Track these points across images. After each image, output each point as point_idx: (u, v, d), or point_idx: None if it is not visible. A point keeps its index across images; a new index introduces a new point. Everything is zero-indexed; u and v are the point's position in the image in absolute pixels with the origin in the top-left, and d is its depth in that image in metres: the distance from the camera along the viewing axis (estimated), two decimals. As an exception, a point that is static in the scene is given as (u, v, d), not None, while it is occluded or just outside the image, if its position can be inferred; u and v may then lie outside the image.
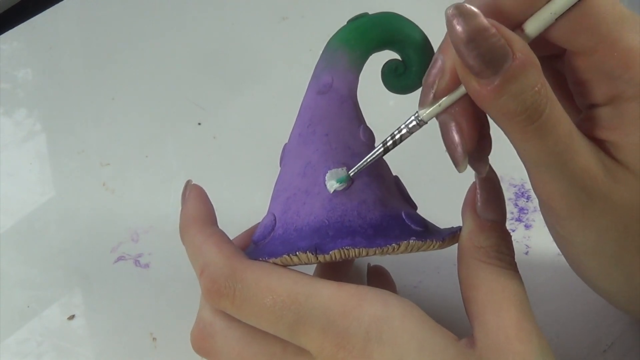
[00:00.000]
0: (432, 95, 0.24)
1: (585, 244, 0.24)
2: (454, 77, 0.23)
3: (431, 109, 0.24)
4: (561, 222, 0.24)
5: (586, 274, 0.27)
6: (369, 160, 0.26)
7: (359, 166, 0.26)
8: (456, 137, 0.24)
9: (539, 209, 0.39)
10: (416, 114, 0.24)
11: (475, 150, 0.24)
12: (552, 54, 0.25)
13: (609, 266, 0.25)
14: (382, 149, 0.25)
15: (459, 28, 0.21)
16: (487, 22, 0.21)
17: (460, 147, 0.24)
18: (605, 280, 0.26)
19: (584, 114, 0.24)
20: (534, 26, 0.22)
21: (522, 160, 0.23)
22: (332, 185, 0.26)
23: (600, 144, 0.23)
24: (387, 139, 0.25)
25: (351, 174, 0.26)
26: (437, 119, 0.24)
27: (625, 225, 0.23)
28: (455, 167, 0.24)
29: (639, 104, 0.22)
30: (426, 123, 0.24)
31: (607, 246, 0.24)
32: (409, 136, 0.25)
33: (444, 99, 0.24)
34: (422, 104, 0.24)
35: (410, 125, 0.25)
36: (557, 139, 0.21)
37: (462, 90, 0.23)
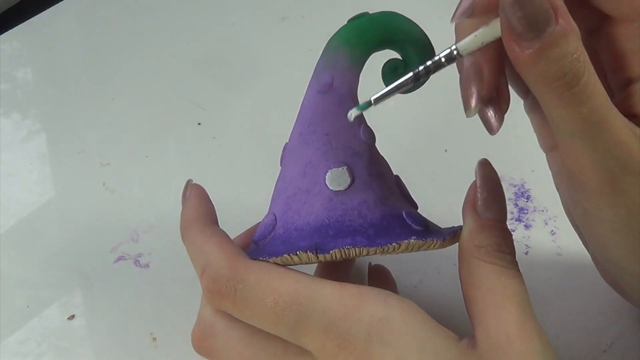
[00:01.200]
0: (470, 9, 0.23)
1: (614, 220, 0.24)
2: None
3: (467, 39, 0.23)
4: (590, 198, 0.24)
5: (611, 254, 0.26)
6: (397, 84, 0.24)
7: (385, 90, 0.24)
8: (474, 80, 0.24)
9: (539, 208, 0.39)
10: (452, 47, 0.24)
11: (492, 103, 0.24)
12: (588, 28, 0.25)
13: (638, 244, 0.24)
14: (412, 74, 0.24)
15: None
16: None
17: (475, 91, 0.24)
18: (631, 259, 0.25)
19: (620, 91, 0.24)
20: None
21: (554, 131, 0.23)
22: (351, 113, 0.25)
23: (635, 121, 0.23)
24: (420, 67, 0.24)
25: (373, 99, 0.24)
26: (457, 65, 0.24)
27: None
28: (465, 110, 0.24)
29: None
30: (461, 56, 0.24)
31: (637, 222, 0.23)
32: (441, 68, 0.24)
33: (479, 30, 0.23)
34: (458, 16, 0.23)
35: (443, 55, 0.24)
36: (593, 107, 0.21)
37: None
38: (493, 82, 0.24)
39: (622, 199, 0.23)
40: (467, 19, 0.23)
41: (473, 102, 0.24)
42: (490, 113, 0.26)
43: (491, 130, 0.26)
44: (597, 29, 0.24)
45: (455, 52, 0.23)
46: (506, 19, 0.21)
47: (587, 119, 0.22)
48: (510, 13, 0.21)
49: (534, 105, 0.28)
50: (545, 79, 0.21)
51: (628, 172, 0.22)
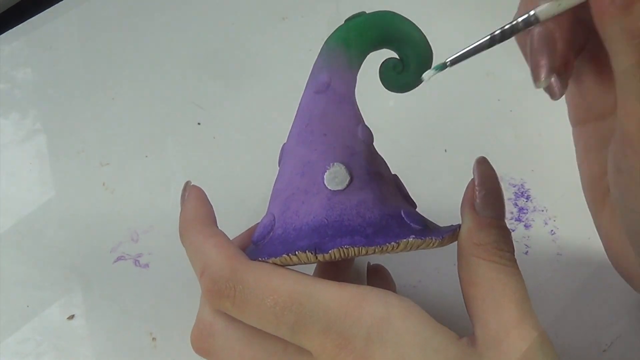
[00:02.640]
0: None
1: None
2: None
3: (548, 5, 0.23)
4: None
5: None
6: (473, 47, 0.24)
7: (460, 52, 0.24)
8: (546, 51, 0.23)
9: (538, 208, 0.39)
10: (532, 12, 0.23)
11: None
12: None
13: None
14: (488, 38, 0.24)
15: None
16: None
17: (547, 62, 0.23)
18: None
19: None
20: None
21: (618, 90, 0.22)
22: (427, 73, 0.25)
23: None
24: (496, 30, 0.24)
25: (449, 60, 0.24)
26: (516, 40, 0.23)
27: None
28: (534, 81, 0.23)
29: None
30: (539, 21, 0.23)
31: None
32: (517, 32, 0.24)
33: None
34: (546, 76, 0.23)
35: (520, 19, 0.23)
36: None
37: None
38: (566, 53, 0.23)
39: None
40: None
41: (543, 75, 0.23)
42: (555, 78, 0.24)
43: (554, 95, 0.25)
44: None
45: (533, 18, 0.23)
46: None
47: None
48: None
49: (578, 74, 0.27)
50: (629, 34, 0.20)
51: None
